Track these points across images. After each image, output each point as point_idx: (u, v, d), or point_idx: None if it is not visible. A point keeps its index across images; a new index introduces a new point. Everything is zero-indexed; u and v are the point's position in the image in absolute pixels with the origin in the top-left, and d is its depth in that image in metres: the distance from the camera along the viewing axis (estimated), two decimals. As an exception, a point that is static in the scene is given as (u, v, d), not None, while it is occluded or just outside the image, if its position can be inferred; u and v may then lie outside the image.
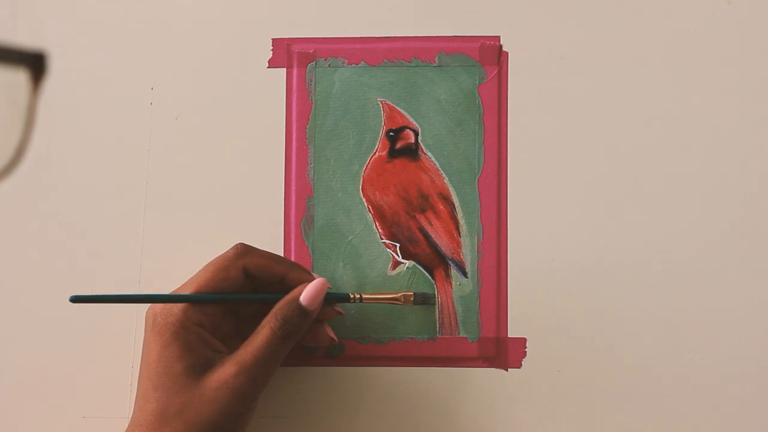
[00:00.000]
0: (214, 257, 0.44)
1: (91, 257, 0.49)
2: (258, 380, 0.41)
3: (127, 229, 0.49)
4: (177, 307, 0.42)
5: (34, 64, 0.27)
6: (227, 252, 0.44)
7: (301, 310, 0.42)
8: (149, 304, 0.43)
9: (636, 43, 0.49)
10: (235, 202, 0.49)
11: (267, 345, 0.42)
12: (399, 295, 0.47)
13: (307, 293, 0.43)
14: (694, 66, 0.49)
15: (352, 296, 0.46)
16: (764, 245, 0.48)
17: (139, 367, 0.43)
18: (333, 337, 0.45)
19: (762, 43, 0.49)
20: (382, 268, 0.49)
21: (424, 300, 0.48)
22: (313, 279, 0.44)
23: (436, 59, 0.50)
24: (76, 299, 0.42)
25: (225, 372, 0.41)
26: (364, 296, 0.46)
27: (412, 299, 0.47)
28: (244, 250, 0.44)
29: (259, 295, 0.44)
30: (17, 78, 0.27)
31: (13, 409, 0.48)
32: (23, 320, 0.49)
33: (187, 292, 0.43)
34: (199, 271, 0.44)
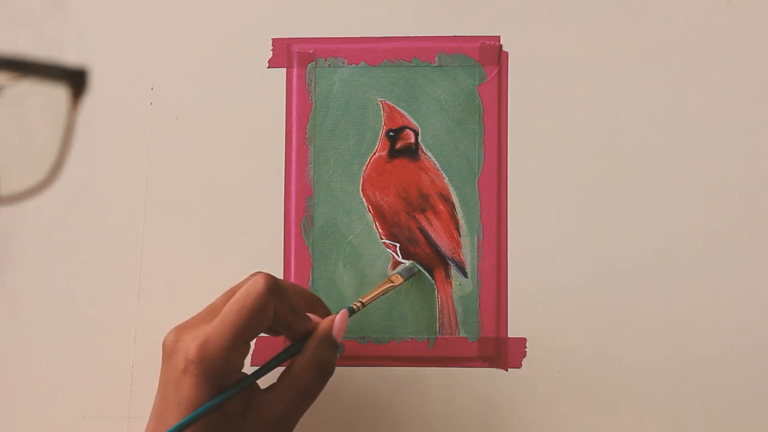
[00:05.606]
0: (237, 289, 0.40)
1: (91, 257, 0.49)
2: (297, 419, 0.41)
3: (127, 229, 0.49)
4: (218, 357, 0.38)
5: (75, 80, 0.27)
6: (256, 287, 0.39)
7: (334, 346, 0.42)
8: (177, 342, 0.39)
9: (636, 43, 0.49)
10: (235, 202, 0.49)
11: (309, 391, 0.41)
12: (388, 285, 0.47)
13: (337, 327, 0.42)
14: (694, 66, 0.49)
15: (355, 307, 0.45)
16: (764, 245, 0.48)
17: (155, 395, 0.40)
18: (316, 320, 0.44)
19: (762, 43, 0.49)
20: (382, 268, 0.49)
21: (410, 272, 0.48)
22: (324, 310, 0.44)
23: (436, 59, 0.50)
24: None
25: (267, 416, 0.40)
26: (365, 301, 0.45)
27: (401, 278, 0.47)
28: (275, 287, 0.40)
29: (282, 355, 0.42)
30: (57, 94, 0.26)
31: (13, 409, 0.48)
32: (23, 320, 0.49)
33: (225, 339, 0.38)
34: (231, 315, 0.39)
